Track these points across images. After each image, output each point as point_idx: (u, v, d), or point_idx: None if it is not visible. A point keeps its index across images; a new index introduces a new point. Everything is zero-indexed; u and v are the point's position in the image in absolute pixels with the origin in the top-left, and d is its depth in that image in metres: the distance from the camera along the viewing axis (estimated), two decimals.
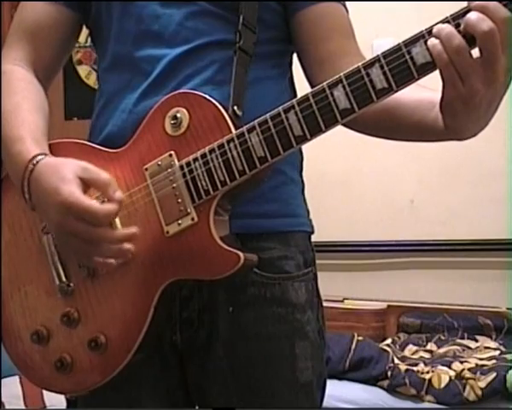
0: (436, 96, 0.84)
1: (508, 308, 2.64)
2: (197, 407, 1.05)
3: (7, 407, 2.25)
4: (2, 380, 2.27)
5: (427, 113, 0.89)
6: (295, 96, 1.07)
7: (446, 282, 2.86)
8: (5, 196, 1.01)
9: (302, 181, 1.07)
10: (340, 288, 2.85)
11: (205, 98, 0.88)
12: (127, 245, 0.86)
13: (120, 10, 1.01)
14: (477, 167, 2.80)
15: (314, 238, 1.08)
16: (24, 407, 2.29)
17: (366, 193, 3.01)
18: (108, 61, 1.03)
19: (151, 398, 1.00)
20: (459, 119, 0.81)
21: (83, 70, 3.34)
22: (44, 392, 2.30)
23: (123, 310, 0.91)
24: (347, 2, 1.06)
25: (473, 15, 0.73)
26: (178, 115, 0.89)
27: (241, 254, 0.85)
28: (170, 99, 0.91)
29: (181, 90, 0.92)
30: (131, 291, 0.91)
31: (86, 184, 0.85)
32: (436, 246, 2.90)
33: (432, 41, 0.75)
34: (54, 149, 0.96)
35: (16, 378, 2.37)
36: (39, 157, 0.90)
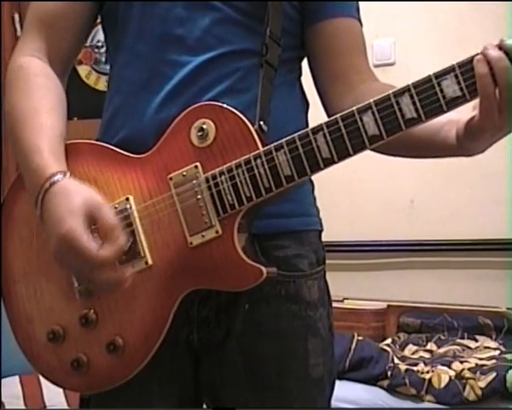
0: (444, 116, 0.85)
1: (508, 308, 2.64)
2: (205, 406, 1.06)
3: (7, 406, 2.25)
4: (2, 380, 2.27)
5: (435, 133, 0.90)
6: (305, 98, 1.09)
7: (446, 282, 2.86)
8: (23, 195, 1.00)
9: (311, 180, 1.08)
10: (340, 288, 2.84)
11: (232, 112, 0.89)
12: (121, 275, 0.87)
13: (142, 8, 0.99)
14: (477, 167, 2.80)
15: None
16: (24, 407, 2.29)
17: (366, 193, 3.02)
18: (125, 57, 1.02)
19: (162, 397, 1.00)
20: (480, 142, 0.83)
21: (83, 70, 3.34)
22: (44, 392, 2.30)
23: (142, 315, 0.92)
24: None
25: None
26: (205, 127, 0.89)
27: (263, 269, 0.87)
28: (196, 109, 0.90)
29: (208, 102, 0.92)
30: (152, 297, 0.91)
31: (93, 219, 0.85)
32: (436, 246, 2.89)
33: (482, 71, 0.76)
34: (74, 151, 0.96)
35: (16, 378, 2.37)
36: (56, 177, 0.89)
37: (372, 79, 1.03)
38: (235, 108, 0.89)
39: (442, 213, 2.89)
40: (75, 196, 0.86)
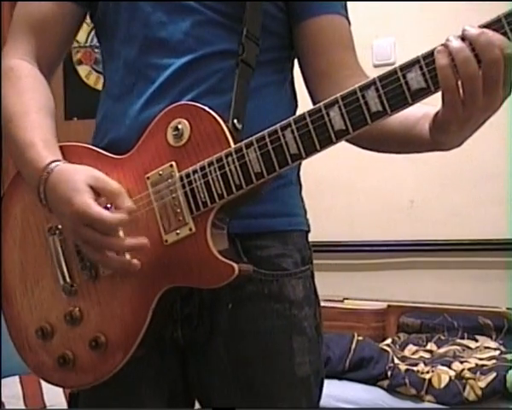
0: (419, 110, 0.84)
1: (508, 308, 2.64)
2: (197, 405, 1.06)
3: (7, 406, 2.25)
4: (2, 380, 2.27)
5: (412, 127, 0.89)
6: (295, 100, 1.09)
7: (446, 282, 2.86)
8: (15, 194, 1.03)
9: (300, 182, 1.08)
10: (340, 288, 2.85)
11: (206, 111, 0.89)
12: (134, 261, 0.88)
13: (129, 13, 1.01)
14: (477, 167, 2.80)
15: (314, 238, 1.09)
16: (24, 407, 2.29)
17: (366, 193, 3.02)
18: (114, 62, 1.05)
19: (152, 395, 1.01)
20: (450, 136, 0.82)
21: (83, 70, 3.34)
22: (44, 392, 2.30)
23: (122, 312, 0.93)
24: (348, 2, 1.06)
25: (484, 39, 0.73)
26: (180, 126, 0.90)
27: (235, 265, 0.87)
28: (172, 110, 0.92)
29: (183, 102, 0.93)
30: (131, 295, 0.93)
31: (97, 193, 0.88)
32: (436, 246, 2.90)
33: (442, 63, 0.74)
34: (63, 152, 0.97)
35: (16, 378, 2.37)
36: (53, 164, 0.92)
37: (359, 75, 1.02)
38: (212, 108, 0.89)
39: (442, 214, 2.90)
40: (76, 175, 0.90)
